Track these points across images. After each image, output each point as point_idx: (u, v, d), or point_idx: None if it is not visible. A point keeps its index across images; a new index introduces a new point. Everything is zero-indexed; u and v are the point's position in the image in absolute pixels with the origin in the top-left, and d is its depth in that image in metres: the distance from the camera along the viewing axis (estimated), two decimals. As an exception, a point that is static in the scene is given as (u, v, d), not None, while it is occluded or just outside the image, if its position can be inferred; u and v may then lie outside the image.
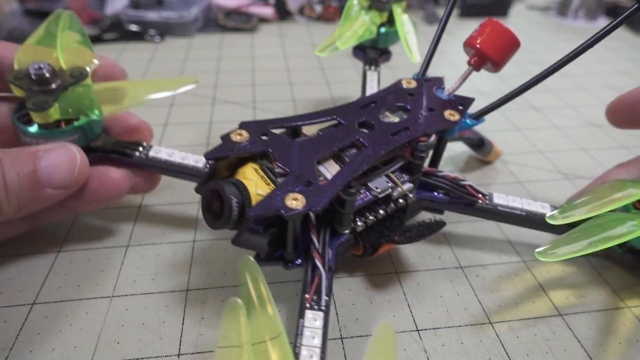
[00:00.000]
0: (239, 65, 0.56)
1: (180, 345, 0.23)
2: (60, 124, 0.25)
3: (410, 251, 0.30)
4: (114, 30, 0.60)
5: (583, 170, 0.39)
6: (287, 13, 0.71)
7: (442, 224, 0.25)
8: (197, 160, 0.27)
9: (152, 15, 0.61)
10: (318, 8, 0.71)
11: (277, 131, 0.24)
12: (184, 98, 0.47)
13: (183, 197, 0.34)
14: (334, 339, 0.24)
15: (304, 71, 0.55)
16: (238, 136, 0.23)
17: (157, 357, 0.23)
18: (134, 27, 0.61)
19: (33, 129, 0.25)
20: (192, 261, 0.28)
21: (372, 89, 0.36)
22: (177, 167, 0.27)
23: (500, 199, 0.28)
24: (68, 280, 0.27)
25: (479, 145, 0.37)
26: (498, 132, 0.34)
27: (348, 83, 0.52)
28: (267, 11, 0.69)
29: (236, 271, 0.20)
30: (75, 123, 0.26)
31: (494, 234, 0.31)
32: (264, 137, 0.23)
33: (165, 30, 0.62)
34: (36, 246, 0.29)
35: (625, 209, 0.26)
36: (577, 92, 0.53)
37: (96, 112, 0.26)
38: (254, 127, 0.24)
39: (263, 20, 0.69)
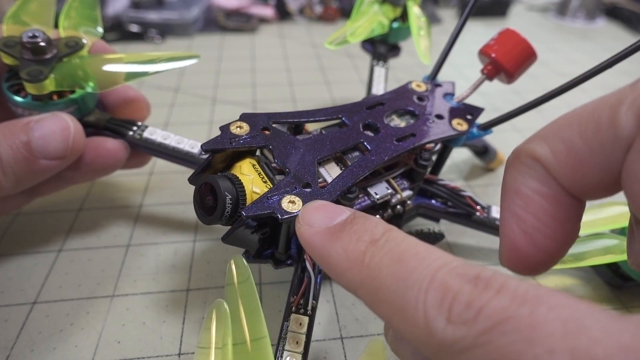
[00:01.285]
0: (239, 65, 0.56)
1: (180, 344, 0.23)
2: (53, 96, 0.24)
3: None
4: (115, 31, 0.60)
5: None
6: (287, 14, 0.71)
7: (441, 236, 0.24)
8: (193, 146, 0.26)
9: (152, 15, 0.62)
10: (318, 9, 0.71)
11: (278, 126, 0.24)
12: (184, 98, 0.47)
13: (183, 197, 0.34)
14: (334, 338, 0.24)
15: (304, 71, 0.55)
16: (238, 128, 0.22)
17: (157, 356, 0.23)
18: (134, 28, 0.61)
19: (25, 99, 0.24)
20: (192, 261, 0.28)
21: (379, 84, 0.34)
22: (171, 152, 0.26)
23: (499, 214, 0.27)
24: (69, 279, 0.27)
25: (483, 152, 0.37)
26: (498, 132, 0.34)
27: (348, 83, 0.52)
28: (267, 12, 0.69)
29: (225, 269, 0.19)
30: (70, 95, 0.24)
31: (494, 235, 0.31)
32: (265, 132, 0.22)
33: (166, 30, 0.62)
34: (37, 245, 0.29)
35: (623, 232, 0.26)
36: (576, 93, 0.53)
37: (91, 84, 0.24)
38: (255, 120, 0.22)
39: (263, 20, 0.69)
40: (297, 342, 0.20)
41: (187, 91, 0.49)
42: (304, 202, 0.19)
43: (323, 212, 0.16)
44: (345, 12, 0.72)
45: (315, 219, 0.15)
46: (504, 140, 0.42)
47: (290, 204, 0.19)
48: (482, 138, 0.36)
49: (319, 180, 0.22)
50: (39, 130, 0.22)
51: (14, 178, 0.22)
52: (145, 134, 0.27)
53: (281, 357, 0.19)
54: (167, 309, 0.25)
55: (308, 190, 0.20)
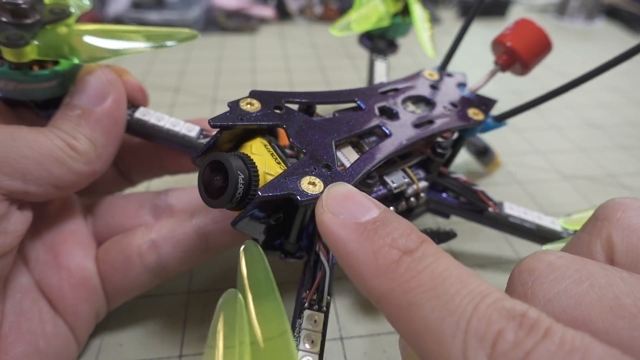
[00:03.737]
0: (239, 65, 0.56)
1: (182, 347, 0.24)
2: (34, 66, 0.22)
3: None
4: (115, 31, 0.60)
5: (581, 171, 0.39)
6: (288, 14, 0.71)
7: (452, 234, 0.23)
8: (190, 129, 0.24)
9: (153, 16, 0.62)
10: (318, 9, 0.71)
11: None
12: (185, 99, 0.47)
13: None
14: (334, 338, 0.24)
15: (304, 72, 0.55)
16: (248, 105, 0.20)
17: (158, 358, 0.23)
18: (134, 28, 0.61)
19: (3, 68, 0.21)
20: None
21: (381, 77, 0.33)
22: (166, 135, 0.24)
23: (512, 210, 0.27)
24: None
25: (483, 152, 0.36)
26: (497, 132, 0.35)
27: (348, 84, 0.52)
28: (268, 12, 0.69)
29: (237, 260, 0.17)
30: (56, 67, 0.22)
31: (493, 234, 0.31)
32: (277, 111, 0.21)
33: (166, 31, 0.62)
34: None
35: None
36: (575, 93, 0.53)
37: (80, 56, 0.22)
38: (267, 98, 0.21)
39: (263, 21, 0.69)
40: (312, 341, 0.18)
41: (188, 91, 0.49)
42: (325, 184, 0.17)
43: (351, 202, 0.15)
44: (345, 13, 0.72)
45: (342, 209, 0.14)
46: (503, 140, 0.42)
47: (311, 185, 0.17)
48: (482, 138, 0.36)
49: (337, 164, 0.20)
50: (76, 89, 0.22)
51: (89, 142, 0.21)
52: (137, 115, 0.24)
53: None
54: (169, 312, 0.25)
55: (328, 172, 0.18)
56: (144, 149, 0.26)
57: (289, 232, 0.20)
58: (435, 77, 0.27)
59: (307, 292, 0.20)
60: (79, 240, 0.23)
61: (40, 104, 0.23)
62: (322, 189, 0.17)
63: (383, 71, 0.34)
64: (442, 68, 0.28)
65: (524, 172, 0.38)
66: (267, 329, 0.15)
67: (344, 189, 0.15)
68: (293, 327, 0.19)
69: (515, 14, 0.79)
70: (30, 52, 0.21)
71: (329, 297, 0.20)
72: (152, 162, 0.27)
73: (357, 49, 0.63)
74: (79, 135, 0.21)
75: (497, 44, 0.26)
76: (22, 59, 0.21)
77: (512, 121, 0.45)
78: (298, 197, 0.17)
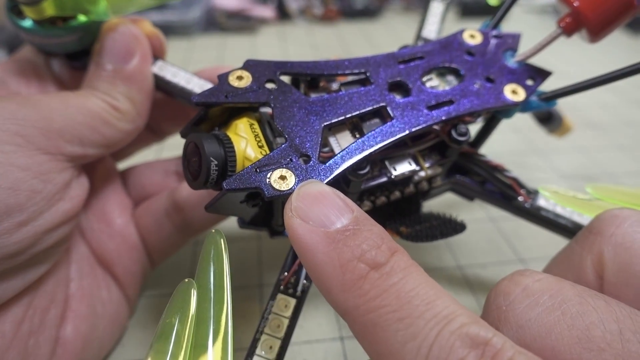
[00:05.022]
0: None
1: (182, 344, 0.24)
2: (58, 21, 0.22)
3: (408, 249, 0.30)
4: (116, 32, 0.60)
5: (581, 171, 0.39)
6: (288, 14, 0.71)
7: (460, 228, 0.22)
8: (202, 87, 0.23)
9: (153, 16, 0.62)
10: (318, 10, 0.72)
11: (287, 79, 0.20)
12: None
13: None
14: (334, 338, 0.24)
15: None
16: (238, 79, 0.19)
17: (159, 356, 0.23)
18: (135, 29, 0.61)
19: (27, 23, 0.22)
20: (195, 262, 0.28)
21: (432, 25, 0.27)
22: (179, 92, 0.23)
23: (547, 203, 0.23)
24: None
25: (546, 118, 0.32)
26: (497, 132, 0.35)
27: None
28: (268, 13, 0.69)
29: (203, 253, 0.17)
30: (71, 22, 0.22)
31: (493, 234, 0.31)
32: (270, 85, 0.19)
33: (167, 31, 0.62)
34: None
35: None
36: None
37: (101, 9, 0.22)
38: (260, 70, 0.19)
39: (264, 21, 0.69)
40: (278, 326, 0.18)
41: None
42: (298, 179, 0.16)
43: (322, 205, 0.14)
44: (345, 13, 0.72)
45: (311, 214, 0.14)
46: (503, 140, 0.42)
47: (281, 179, 0.16)
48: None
49: (325, 149, 0.19)
50: (103, 46, 0.22)
51: (128, 100, 0.22)
52: (155, 69, 0.23)
53: (259, 339, 0.18)
54: (169, 310, 0.25)
55: (305, 164, 0.17)
56: (170, 102, 0.26)
57: (273, 213, 0.20)
58: (478, 39, 0.23)
59: (286, 273, 0.20)
60: (123, 206, 0.24)
61: (72, 55, 0.23)
62: (292, 185, 0.16)
63: (438, 16, 0.27)
64: (493, 26, 0.24)
65: (524, 172, 0.38)
66: (203, 331, 0.14)
67: (314, 189, 0.15)
68: (264, 309, 0.19)
69: (514, 14, 0.79)
70: (48, 7, 0.21)
71: (305, 282, 0.19)
72: (179, 114, 0.27)
73: (357, 50, 0.63)
74: (117, 95, 0.22)
75: (562, 2, 0.21)
76: (41, 15, 0.21)
77: (511, 121, 0.45)
78: (265, 193, 0.16)
